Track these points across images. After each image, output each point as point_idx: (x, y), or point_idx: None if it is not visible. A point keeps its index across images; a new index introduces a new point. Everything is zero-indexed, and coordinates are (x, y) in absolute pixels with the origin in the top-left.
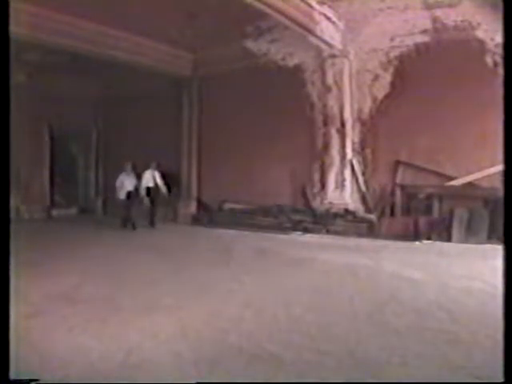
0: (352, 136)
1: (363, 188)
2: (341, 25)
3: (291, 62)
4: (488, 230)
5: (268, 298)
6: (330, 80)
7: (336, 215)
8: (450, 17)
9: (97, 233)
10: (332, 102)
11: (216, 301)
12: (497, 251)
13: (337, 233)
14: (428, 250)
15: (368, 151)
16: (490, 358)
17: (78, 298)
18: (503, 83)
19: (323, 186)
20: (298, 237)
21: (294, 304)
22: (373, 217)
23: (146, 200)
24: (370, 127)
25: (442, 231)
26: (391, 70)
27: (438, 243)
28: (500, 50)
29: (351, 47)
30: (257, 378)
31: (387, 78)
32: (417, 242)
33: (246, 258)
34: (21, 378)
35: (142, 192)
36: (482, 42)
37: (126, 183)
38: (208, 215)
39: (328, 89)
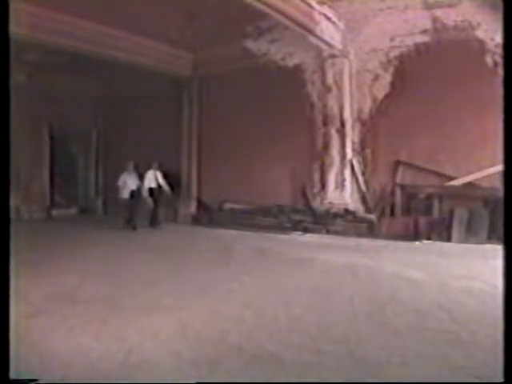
0: (352, 136)
1: (363, 188)
2: (341, 25)
3: (291, 62)
4: (488, 230)
5: (268, 298)
6: (330, 80)
7: (336, 215)
8: (450, 17)
9: (97, 233)
10: (332, 102)
11: (216, 301)
12: (497, 251)
13: (337, 233)
14: (428, 250)
15: (368, 151)
16: (490, 358)
17: (78, 298)
18: (503, 83)
19: (323, 186)
20: (297, 237)
21: (294, 304)
22: (373, 217)
23: (150, 200)
24: (369, 127)
25: (441, 231)
26: (391, 70)
27: (438, 243)
28: (500, 50)
29: (351, 47)
30: (257, 378)
31: (387, 78)
32: (417, 242)
33: (246, 258)
34: (21, 378)
35: (145, 193)
36: (481, 42)
37: (129, 182)
38: (208, 215)
39: (328, 89)
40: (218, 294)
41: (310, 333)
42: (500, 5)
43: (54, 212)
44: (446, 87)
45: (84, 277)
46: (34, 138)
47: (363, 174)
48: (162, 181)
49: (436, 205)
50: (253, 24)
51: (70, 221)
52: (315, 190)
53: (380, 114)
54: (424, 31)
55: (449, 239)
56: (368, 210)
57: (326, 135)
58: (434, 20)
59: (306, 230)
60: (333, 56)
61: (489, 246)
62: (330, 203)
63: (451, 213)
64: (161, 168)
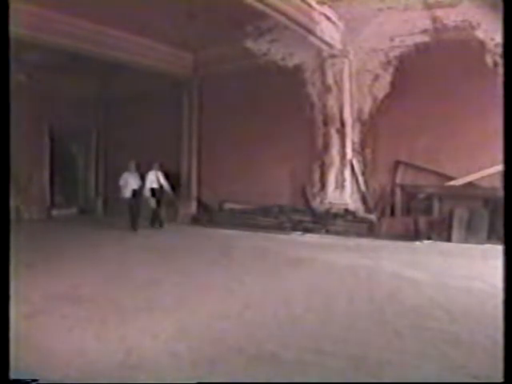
0: (352, 136)
1: (363, 188)
2: (341, 25)
3: (291, 62)
4: (488, 230)
5: (268, 298)
6: (330, 80)
7: (336, 215)
8: (450, 17)
9: (97, 233)
10: (332, 102)
11: (216, 301)
12: (497, 251)
13: (337, 233)
14: (428, 250)
15: (368, 151)
16: (490, 358)
17: (78, 297)
18: (503, 83)
19: (323, 186)
20: (297, 237)
21: (294, 304)
22: (373, 217)
23: (152, 201)
24: (369, 127)
25: (441, 231)
26: (391, 69)
27: (438, 243)
28: (500, 50)
29: (351, 47)
30: (257, 378)
31: (387, 77)
32: (417, 242)
33: (246, 258)
34: (21, 378)
35: (147, 193)
36: (481, 42)
37: (131, 181)
38: (208, 215)
39: (328, 89)
40: (218, 294)
41: (310, 333)
42: (500, 5)
43: (54, 212)
44: (446, 87)
45: (84, 277)
46: (33, 138)
47: (363, 173)
48: (163, 181)
49: (436, 205)
50: (253, 24)
51: (70, 221)
52: (315, 190)
53: (380, 114)
54: (424, 31)
55: (449, 239)
56: (368, 210)
57: (326, 135)
58: (434, 20)
59: (306, 230)
60: (333, 56)
61: (489, 246)
62: (330, 203)
63: (451, 213)
64: (162, 168)
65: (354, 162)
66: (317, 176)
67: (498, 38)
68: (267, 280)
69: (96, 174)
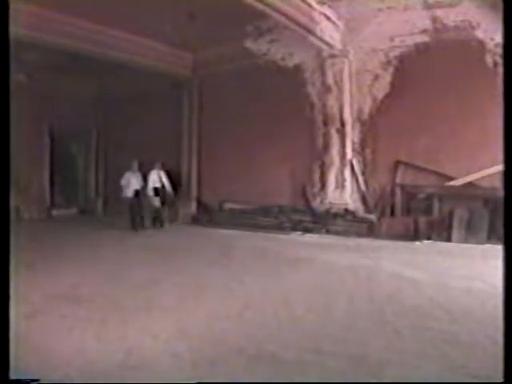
0: (352, 136)
1: (363, 188)
2: (341, 25)
3: (291, 62)
4: (488, 230)
5: (268, 298)
6: (329, 80)
7: (336, 215)
8: (450, 17)
9: (97, 233)
10: (332, 102)
11: (216, 301)
12: (497, 251)
13: (337, 233)
14: (428, 250)
15: (368, 151)
16: (490, 358)
17: (78, 298)
18: (503, 83)
19: (323, 185)
20: (298, 237)
21: (294, 304)
22: (373, 217)
23: (157, 200)
24: (369, 127)
25: (441, 231)
26: (391, 70)
27: (438, 243)
28: (500, 50)
29: (351, 47)
30: (257, 378)
31: (387, 78)
32: (417, 242)
33: (246, 258)
34: (21, 378)
35: (150, 192)
36: (481, 42)
37: (133, 181)
38: (208, 215)
39: (328, 89)
40: (218, 294)
41: (310, 333)
42: (500, 5)
43: (54, 212)
44: (445, 87)
45: (84, 277)
46: (33, 138)
47: (363, 173)
48: (165, 181)
49: (436, 205)
50: (253, 24)
51: (70, 221)
52: (315, 190)
53: (380, 113)
54: (424, 31)
55: (449, 239)
56: (368, 210)
57: (326, 135)
58: (434, 20)
59: (306, 230)
60: (333, 56)
61: (489, 246)
62: (330, 203)
63: (451, 213)
64: (163, 168)
65: (354, 162)
66: (317, 176)
67: (498, 38)
68: (267, 280)
69: (96, 174)
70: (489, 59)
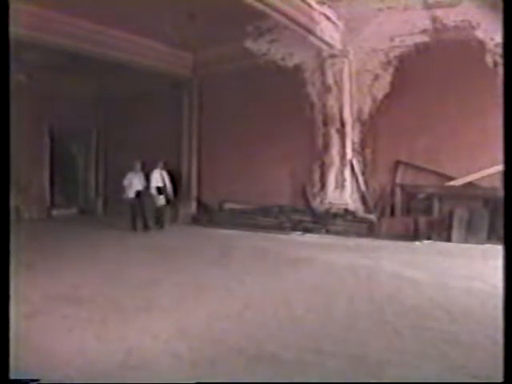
0: (352, 136)
1: (363, 188)
2: (341, 25)
3: (291, 62)
4: (488, 230)
5: (268, 298)
6: (329, 80)
7: (336, 215)
8: (450, 17)
9: (97, 233)
10: (332, 102)
11: (216, 301)
12: (497, 251)
13: (337, 233)
14: (428, 250)
15: (368, 151)
16: (490, 358)
17: (78, 298)
18: (503, 83)
19: (323, 185)
20: (297, 237)
21: (294, 304)
22: (373, 217)
23: (161, 199)
24: (369, 127)
25: (441, 231)
26: (391, 70)
27: (438, 243)
28: (500, 50)
29: (351, 47)
30: (257, 378)
31: (387, 78)
32: (417, 242)
33: (245, 258)
34: (21, 378)
35: (153, 191)
36: (481, 42)
37: (135, 182)
38: (208, 215)
39: (328, 89)
40: (218, 294)
41: (310, 333)
42: (500, 5)
43: (54, 212)
44: (445, 87)
45: (84, 277)
46: (33, 138)
47: (363, 173)
48: (168, 180)
49: (436, 205)
50: (253, 24)
51: (70, 221)
52: (315, 190)
53: (380, 114)
54: (424, 31)
55: (449, 239)
56: (368, 210)
57: (326, 135)
58: (434, 20)
59: (305, 230)
60: (333, 56)
61: (489, 246)
62: (330, 203)
63: (451, 213)
64: (166, 167)
65: (354, 162)
66: (317, 176)
67: (498, 38)
68: (267, 280)
69: (96, 174)
70: (489, 59)
